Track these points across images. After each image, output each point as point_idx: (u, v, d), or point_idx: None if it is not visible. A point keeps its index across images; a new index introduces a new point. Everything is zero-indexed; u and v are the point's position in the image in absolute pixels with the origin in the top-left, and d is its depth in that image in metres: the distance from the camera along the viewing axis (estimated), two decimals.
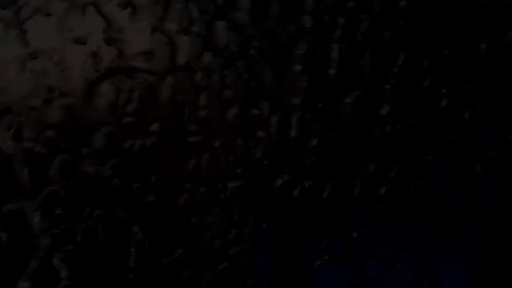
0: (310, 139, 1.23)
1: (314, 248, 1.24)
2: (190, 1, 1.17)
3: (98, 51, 1.13)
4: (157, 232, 1.17)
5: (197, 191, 1.18)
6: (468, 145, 1.29)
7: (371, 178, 1.25)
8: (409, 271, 1.28)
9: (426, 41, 1.27)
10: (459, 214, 1.29)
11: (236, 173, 1.20)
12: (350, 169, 1.25)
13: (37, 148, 1.11)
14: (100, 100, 1.14)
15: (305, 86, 1.22)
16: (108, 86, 1.14)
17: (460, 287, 1.29)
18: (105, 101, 1.14)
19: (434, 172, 1.28)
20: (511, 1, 1.29)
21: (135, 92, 1.15)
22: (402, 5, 1.25)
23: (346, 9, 1.23)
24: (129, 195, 1.16)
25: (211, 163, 1.19)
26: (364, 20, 1.24)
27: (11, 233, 1.11)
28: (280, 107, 1.21)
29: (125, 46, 1.14)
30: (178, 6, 1.16)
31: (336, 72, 1.23)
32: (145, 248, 1.16)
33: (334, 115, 1.24)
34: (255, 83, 1.20)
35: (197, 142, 1.18)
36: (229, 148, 1.19)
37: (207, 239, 1.19)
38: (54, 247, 1.12)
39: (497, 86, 1.30)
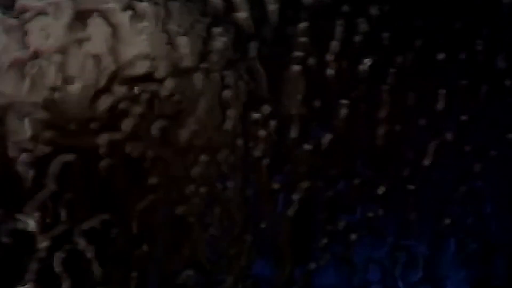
0: (309, 141, 1.23)
1: (313, 249, 1.24)
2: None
3: (100, 54, 1.14)
4: (157, 233, 1.17)
5: (197, 191, 1.18)
6: (468, 145, 1.29)
7: (370, 179, 1.25)
8: (408, 271, 1.28)
9: (424, 42, 1.27)
10: (459, 215, 1.29)
11: (236, 174, 1.20)
12: (349, 170, 1.25)
13: (38, 148, 1.12)
14: (102, 102, 1.14)
15: (304, 87, 1.22)
16: (110, 88, 1.15)
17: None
18: (107, 102, 1.15)
19: (433, 172, 1.28)
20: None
21: (135, 94, 1.16)
22: (401, 6, 1.26)
23: (345, 11, 1.24)
24: (129, 196, 1.16)
25: (211, 165, 1.19)
26: (362, 22, 1.24)
27: (11, 235, 1.12)
28: (279, 109, 1.22)
29: (127, 49, 1.15)
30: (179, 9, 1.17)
31: (335, 74, 1.24)
32: (145, 249, 1.16)
33: (333, 117, 1.24)
34: (255, 84, 1.20)
35: (198, 143, 1.18)
36: (229, 150, 1.20)
37: (207, 240, 1.19)
38: (54, 248, 1.13)
39: (496, 86, 1.30)
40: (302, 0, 1.21)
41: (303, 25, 1.21)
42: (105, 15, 1.13)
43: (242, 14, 1.19)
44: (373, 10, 1.24)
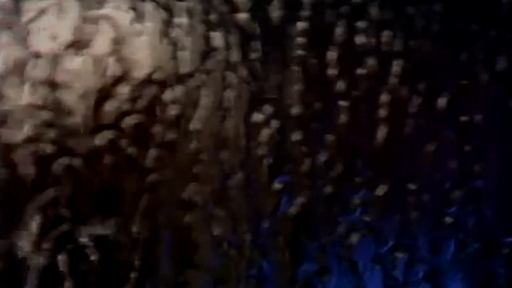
0: (311, 142, 1.23)
1: (313, 250, 1.24)
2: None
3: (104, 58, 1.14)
4: (157, 233, 1.17)
5: (198, 192, 1.18)
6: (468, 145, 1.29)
7: (370, 180, 1.26)
8: (407, 272, 1.29)
9: (423, 43, 1.28)
10: (458, 216, 1.30)
11: (237, 175, 1.20)
12: (349, 171, 1.25)
13: (40, 149, 1.12)
14: (105, 104, 1.14)
15: (304, 89, 1.23)
16: (113, 91, 1.15)
17: None
18: (110, 105, 1.14)
19: (432, 173, 1.29)
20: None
21: (138, 96, 1.16)
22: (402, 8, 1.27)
23: (345, 12, 1.24)
24: (130, 196, 1.16)
25: (212, 166, 1.19)
26: (363, 24, 1.25)
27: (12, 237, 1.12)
28: (281, 110, 1.22)
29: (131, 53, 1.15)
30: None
31: (335, 75, 1.24)
32: (145, 249, 1.16)
33: (333, 118, 1.24)
34: (256, 86, 1.20)
35: (199, 145, 1.18)
36: (230, 151, 1.20)
37: (208, 241, 1.19)
38: (56, 249, 1.13)
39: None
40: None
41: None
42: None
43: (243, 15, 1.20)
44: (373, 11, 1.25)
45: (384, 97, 1.25)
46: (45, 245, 1.11)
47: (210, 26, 1.19)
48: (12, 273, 1.11)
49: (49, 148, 1.12)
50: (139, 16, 1.16)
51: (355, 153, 1.25)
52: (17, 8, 1.10)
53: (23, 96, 1.11)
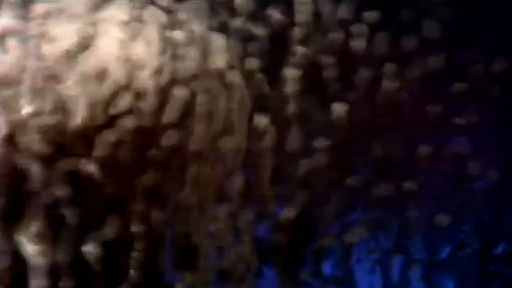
0: (309, 146, 1.24)
1: (312, 251, 1.25)
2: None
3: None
4: (158, 233, 1.17)
5: (201, 194, 1.19)
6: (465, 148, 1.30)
7: (368, 182, 1.26)
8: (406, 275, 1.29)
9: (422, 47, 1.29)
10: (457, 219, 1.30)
11: (239, 178, 1.21)
12: (346, 174, 1.26)
13: (43, 151, 1.12)
14: (107, 108, 1.15)
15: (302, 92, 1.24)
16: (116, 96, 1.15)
17: None
18: (111, 109, 1.15)
19: (430, 176, 1.29)
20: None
21: (141, 99, 1.16)
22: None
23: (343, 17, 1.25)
24: (132, 197, 1.17)
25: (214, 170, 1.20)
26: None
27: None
28: (279, 115, 1.22)
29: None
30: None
31: (333, 78, 1.25)
32: (146, 247, 1.17)
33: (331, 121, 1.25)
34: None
35: (201, 149, 1.19)
36: (231, 155, 1.20)
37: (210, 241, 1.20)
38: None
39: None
40: None
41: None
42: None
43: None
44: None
45: (381, 100, 1.26)
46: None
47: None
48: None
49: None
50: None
51: (353, 155, 1.26)
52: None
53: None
